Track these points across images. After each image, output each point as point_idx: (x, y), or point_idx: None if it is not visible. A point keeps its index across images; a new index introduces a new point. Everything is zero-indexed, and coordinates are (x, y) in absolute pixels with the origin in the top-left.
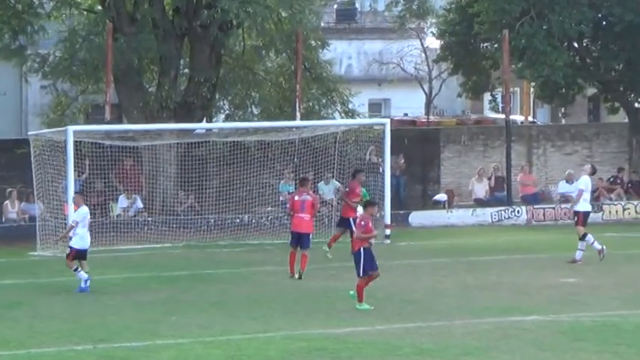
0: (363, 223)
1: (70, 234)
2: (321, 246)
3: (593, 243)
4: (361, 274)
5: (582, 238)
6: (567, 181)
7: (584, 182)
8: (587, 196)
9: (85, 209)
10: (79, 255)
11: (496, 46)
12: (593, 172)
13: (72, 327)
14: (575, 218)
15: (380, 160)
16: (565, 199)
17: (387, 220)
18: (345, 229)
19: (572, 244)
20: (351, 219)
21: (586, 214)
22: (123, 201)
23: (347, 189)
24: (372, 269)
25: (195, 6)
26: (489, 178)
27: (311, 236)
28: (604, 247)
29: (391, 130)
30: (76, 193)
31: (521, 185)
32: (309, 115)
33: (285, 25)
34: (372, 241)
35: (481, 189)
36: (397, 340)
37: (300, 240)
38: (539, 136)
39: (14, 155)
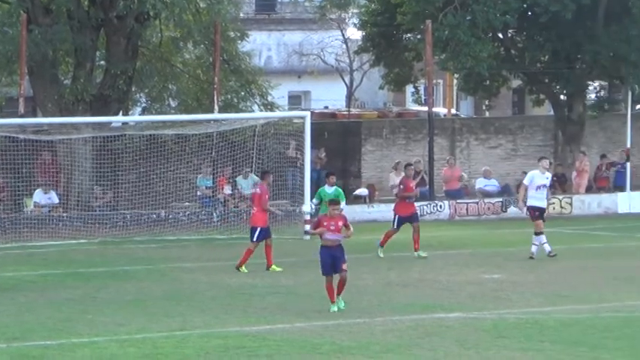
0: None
1: None
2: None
3: (533, 244)
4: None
5: (537, 233)
6: (485, 177)
7: (528, 176)
8: (532, 192)
9: None
10: None
11: (419, 37)
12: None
13: None
14: (528, 214)
15: (299, 154)
16: (484, 194)
17: (307, 216)
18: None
19: (495, 239)
20: (399, 216)
21: (533, 208)
22: (39, 196)
23: (401, 186)
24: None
25: None
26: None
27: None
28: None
29: (311, 123)
30: None
31: (445, 180)
32: (228, 108)
33: (203, 16)
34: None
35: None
36: (317, 338)
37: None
38: (462, 129)
39: None
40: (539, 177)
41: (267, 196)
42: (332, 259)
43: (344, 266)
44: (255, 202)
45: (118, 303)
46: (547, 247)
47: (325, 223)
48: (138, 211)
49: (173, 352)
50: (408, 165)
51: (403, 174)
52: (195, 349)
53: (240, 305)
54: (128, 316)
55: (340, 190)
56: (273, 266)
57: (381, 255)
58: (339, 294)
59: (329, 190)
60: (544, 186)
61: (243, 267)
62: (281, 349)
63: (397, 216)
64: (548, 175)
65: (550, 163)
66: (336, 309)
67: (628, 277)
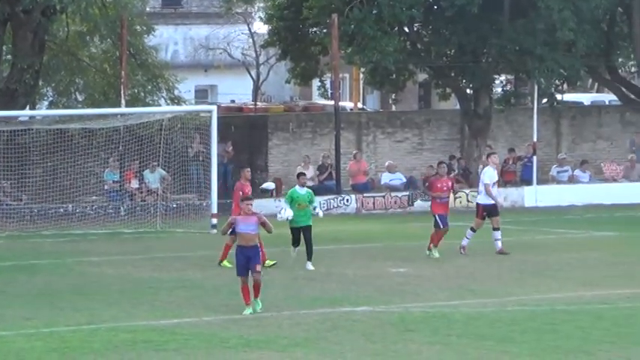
0: None
1: None
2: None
3: (466, 238)
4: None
5: (495, 228)
6: (389, 171)
7: (487, 175)
8: (481, 188)
9: None
10: None
11: (325, 31)
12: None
13: None
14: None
15: (205, 147)
16: (390, 188)
17: (214, 210)
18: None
19: (402, 233)
20: (437, 215)
21: (485, 206)
22: None
23: (426, 183)
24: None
25: None
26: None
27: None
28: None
29: (218, 117)
30: None
31: (351, 174)
32: (135, 102)
33: (109, 10)
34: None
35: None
36: (224, 332)
37: None
38: (369, 123)
39: None
40: (494, 174)
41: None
42: (246, 260)
43: (257, 268)
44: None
45: (25, 297)
46: (465, 242)
47: (239, 219)
48: (45, 205)
49: (81, 346)
50: (440, 163)
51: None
52: (103, 343)
53: (148, 299)
54: (35, 310)
55: (311, 191)
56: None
57: (436, 255)
58: (255, 296)
59: (300, 191)
60: (496, 182)
61: (226, 261)
62: (189, 343)
63: (436, 215)
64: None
65: (454, 157)
66: (250, 311)
67: (534, 271)
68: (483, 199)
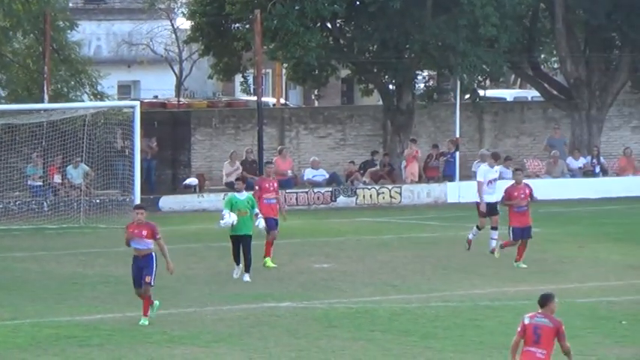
0: None
1: None
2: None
3: (471, 233)
4: None
5: (493, 227)
6: (313, 167)
7: (481, 172)
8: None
9: None
10: None
11: (248, 26)
12: (496, 159)
13: None
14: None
15: (127, 143)
16: (312, 184)
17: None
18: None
19: (325, 228)
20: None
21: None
22: None
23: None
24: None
25: None
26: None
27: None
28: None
29: (141, 113)
30: None
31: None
32: (58, 98)
33: (32, 5)
34: None
35: (233, 173)
36: (148, 328)
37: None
38: (291, 118)
39: None
40: (490, 172)
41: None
42: (139, 271)
43: (147, 279)
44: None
45: None
46: (493, 243)
47: (130, 230)
48: None
49: (4, 342)
50: (517, 170)
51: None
52: (26, 339)
53: (72, 295)
54: None
55: (252, 196)
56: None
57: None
58: (150, 304)
59: (240, 196)
60: (495, 180)
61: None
62: (112, 339)
63: (511, 227)
64: (497, 168)
65: (375, 152)
66: (146, 323)
67: (458, 267)
68: (484, 197)
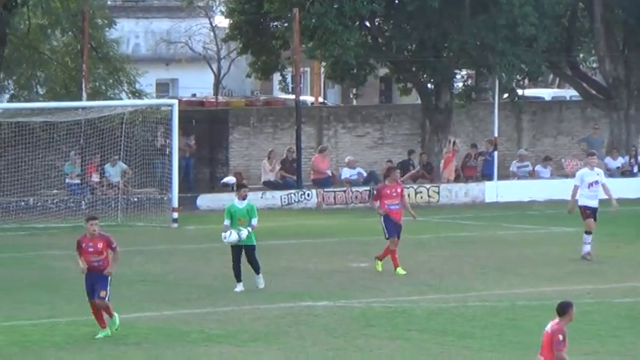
0: None
1: None
2: None
3: (585, 243)
4: None
5: (587, 232)
6: (349, 167)
7: (578, 177)
8: (584, 190)
9: None
10: None
11: (286, 25)
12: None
13: None
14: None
15: (167, 141)
16: (350, 183)
17: (175, 204)
18: None
19: (363, 227)
20: None
21: (585, 208)
22: None
23: None
24: None
25: None
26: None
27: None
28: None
29: (179, 111)
30: None
31: (314, 168)
32: (96, 96)
33: (71, 3)
34: None
35: (272, 171)
36: (185, 326)
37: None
38: (329, 117)
39: None
40: (588, 175)
41: (386, 193)
42: (91, 286)
43: (102, 293)
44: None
45: None
46: (587, 248)
47: (84, 245)
48: (6, 199)
49: (42, 340)
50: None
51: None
52: (63, 337)
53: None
54: None
55: (253, 205)
56: (398, 269)
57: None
58: (110, 316)
59: (240, 205)
60: (596, 182)
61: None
62: (149, 337)
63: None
64: (599, 170)
65: (412, 152)
66: (105, 334)
67: (495, 267)
68: (584, 200)
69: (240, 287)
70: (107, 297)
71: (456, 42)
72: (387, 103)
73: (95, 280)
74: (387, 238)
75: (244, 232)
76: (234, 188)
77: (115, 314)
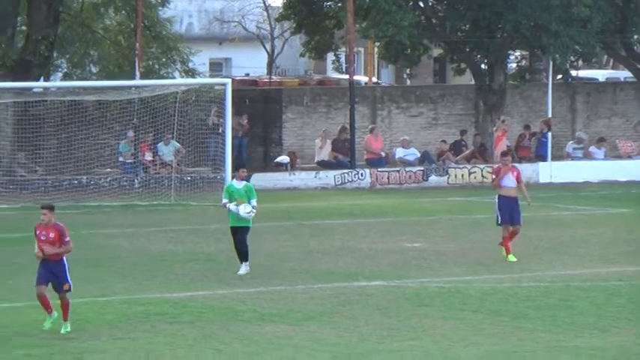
0: None
1: None
2: None
3: None
4: None
5: None
6: (403, 147)
7: None
8: None
9: None
10: None
11: (340, 5)
12: None
13: None
14: None
15: (221, 120)
16: (404, 163)
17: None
18: None
19: (416, 207)
20: None
21: None
22: None
23: None
24: None
25: None
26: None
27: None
28: None
29: (232, 91)
30: None
31: (367, 148)
32: (149, 75)
33: None
34: None
35: (325, 151)
36: (239, 305)
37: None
38: (383, 97)
39: None
40: None
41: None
42: (49, 274)
43: (65, 287)
44: None
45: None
46: None
47: (38, 232)
48: (59, 177)
49: (95, 318)
50: None
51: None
52: (116, 315)
53: (162, 272)
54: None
55: (252, 186)
56: (509, 256)
57: None
58: (64, 318)
59: (238, 185)
60: None
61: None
62: (202, 316)
63: None
64: None
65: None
66: (49, 326)
67: (549, 247)
68: None
69: (244, 268)
70: (70, 288)
71: (510, 22)
72: (440, 84)
73: (51, 269)
74: (499, 224)
75: (248, 208)
76: (288, 167)
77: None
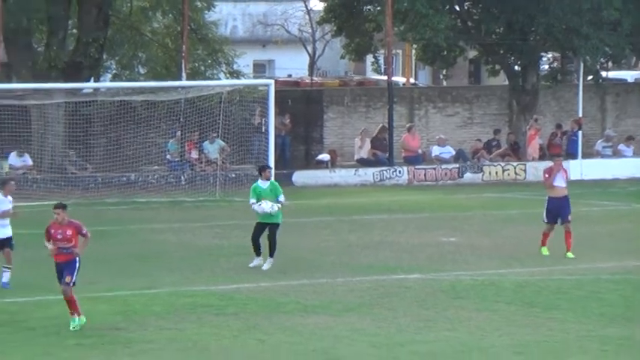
0: None
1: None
2: None
3: None
4: None
5: None
6: (439, 145)
7: None
8: None
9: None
10: None
11: (379, 8)
12: None
13: None
14: None
15: (264, 120)
16: (440, 161)
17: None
18: None
19: (452, 203)
20: None
21: None
22: (13, 158)
23: None
24: None
25: None
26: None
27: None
28: None
29: (275, 91)
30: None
31: (404, 146)
32: (195, 76)
33: None
34: None
35: (364, 149)
36: (282, 297)
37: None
38: (420, 97)
39: None
40: None
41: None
42: (60, 272)
43: (67, 278)
44: None
45: (89, 262)
46: None
47: (52, 232)
48: (109, 174)
49: (143, 310)
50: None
51: (368, 140)
52: (164, 307)
53: (208, 265)
54: (100, 275)
55: (276, 183)
56: (543, 248)
57: None
58: (72, 313)
59: (263, 185)
60: None
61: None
62: (247, 308)
63: None
64: None
65: (497, 131)
66: (76, 324)
67: (579, 242)
68: None
69: (257, 261)
70: (72, 282)
71: (543, 25)
72: (475, 84)
73: (63, 266)
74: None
75: (275, 207)
76: (328, 165)
77: (80, 317)
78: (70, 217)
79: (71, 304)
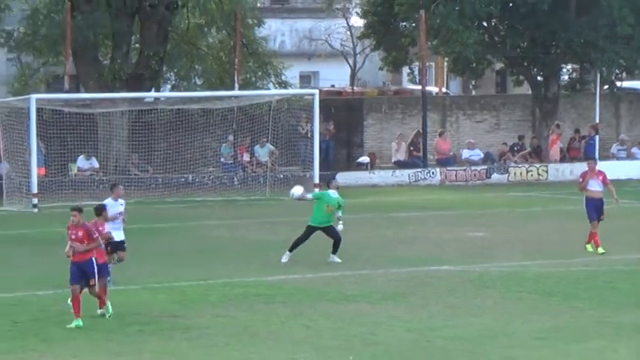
0: None
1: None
2: None
3: None
4: None
5: None
6: (469, 148)
7: None
8: None
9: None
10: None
11: (414, 25)
12: None
13: (35, 275)
14: None
15: (309, 126)
16: (469, 163)
17: (316, 180)
18: None
19: (480, 202)
20: None
21: None
22: (81, 161)
23: None
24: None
25: None
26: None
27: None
28: None
29: (320, 100)
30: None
31: (437, 150)
32: (247, 86)
33: (225, 5)
34: None
35: (401, 152)
36: (325, 287)
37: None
38: (452, 105)
39: None
40: None
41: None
42: (81, 273)
43: (91, 282)
44: None
45: (150, 256)
46: None
47: (69, 232)
48: (168, 175)
49: (199, 299)
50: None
51: (404, 144)
52: (219, 296)
53: (259, 258)
54: (159, 268)
55: (342, 199)
56: (599, 248)
57: None
58: (100, 306)
59: (333, 195)
60: None
61: (589, 246)
62: (293, 297)
63: None
64: None
65: (521, 137)
66: (80, 324)
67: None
68: None
69: (286, 257)
70: (96, 284)
71: (563, 40)
72: (501, 93)
73: (81, 268)
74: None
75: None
76: (368, 167)
77: (108, 303)
78: (83, 220)
79: (100, 300)
